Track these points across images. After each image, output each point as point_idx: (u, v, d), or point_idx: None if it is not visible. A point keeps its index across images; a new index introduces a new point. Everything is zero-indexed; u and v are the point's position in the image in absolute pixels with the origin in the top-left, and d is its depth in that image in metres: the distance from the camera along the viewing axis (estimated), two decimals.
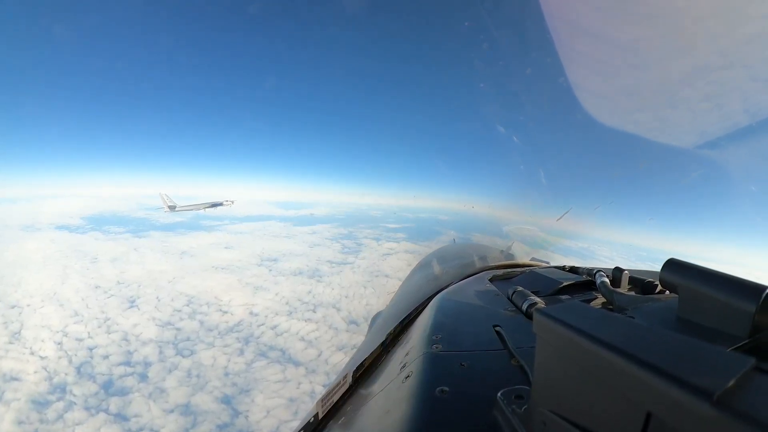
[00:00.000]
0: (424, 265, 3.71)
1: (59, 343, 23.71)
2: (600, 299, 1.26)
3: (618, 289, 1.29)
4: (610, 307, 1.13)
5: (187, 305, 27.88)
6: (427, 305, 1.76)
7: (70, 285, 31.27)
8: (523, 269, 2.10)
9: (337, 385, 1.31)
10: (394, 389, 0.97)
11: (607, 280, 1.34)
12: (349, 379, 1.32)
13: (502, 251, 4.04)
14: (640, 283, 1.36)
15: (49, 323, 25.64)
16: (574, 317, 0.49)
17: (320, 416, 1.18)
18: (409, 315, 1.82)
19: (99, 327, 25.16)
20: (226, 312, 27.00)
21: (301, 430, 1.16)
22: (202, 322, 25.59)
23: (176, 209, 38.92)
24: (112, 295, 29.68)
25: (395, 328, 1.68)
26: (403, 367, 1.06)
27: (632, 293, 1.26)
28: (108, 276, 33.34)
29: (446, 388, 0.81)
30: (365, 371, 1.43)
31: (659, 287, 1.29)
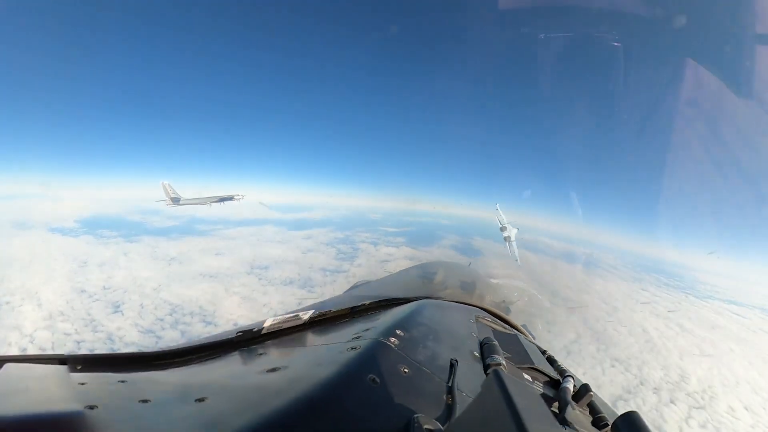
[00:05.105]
0: (428, 266, 3.77)
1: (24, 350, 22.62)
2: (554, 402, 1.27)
3: (576, 404, 1.25)
4: (556, 412, 1.12)
5: (170, 314, 26.86)
6: (411, 302, 1.87)
7: (51, 288, 30.33)
8: (509, 329, 2.14)
9: (293, 317, 1.38)
10: (335, 351, 1.01)
11: (570, 388, 1.30)
12: (305, 319, 1.38)
13: (503, 301, 3.95)
14: (595, 413, 1.31)
15: (22, 325, 24.60)
16: (522, 401, 0.48)
17: (263, 331, 1.26)
18: (389, 300, 1.92)
19: (67, 335, 24.04)
20: (209, 323, 25.96)
21: (241, 332, 1.27)
22: (183, 333, 24.59)
23: (180, 202, 35.74)
24: (97, 300, 28.84)
25: (371, 303, 1.78)
26: (356, 338, 1.11)
27: (583, 416, 1.25)
28: (94, 281, 32.43)
29: (377, 381, 0.83)
30: (323, 320, 1.50)
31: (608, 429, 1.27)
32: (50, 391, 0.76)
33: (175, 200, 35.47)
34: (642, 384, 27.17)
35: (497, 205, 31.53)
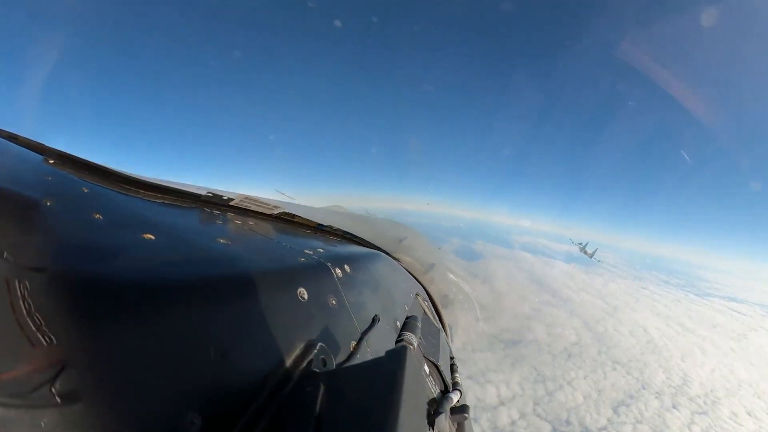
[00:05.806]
0: (401, 228, 3.91)
1: None
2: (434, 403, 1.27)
3: (450, 416, 1.23)
4: (431, 413, 1.11)
5: None
6: (371, 248, 1.99)
7: None
8: (436, 322, 2.23)
9: (264, 205, 1.43)
10: (284, 254, 1.10)
11: (454, 400, 1.28)
12: (274, 212, 1.45)
13: (447, 296, 4.10)
14: None
15: None
16: (409, 386, 0.51)
17: (232, 203, 1.32)
18: (354, 237, 2.01)
19: None
20: None
21: (211, 194, 1.33)
22: None
23: None
24: None
25: (338, 230, 1.89)
26: (307, 252, 1.16)
27: (449, 429, 1.25)
28: None
29: (305, 297, 0.87)
30: (289, 222, 1.59)
31: None
32: (16, 171, 0.76)
33: None
34: (644, 388, 27.09)
35: (570, 238, 43.16)
